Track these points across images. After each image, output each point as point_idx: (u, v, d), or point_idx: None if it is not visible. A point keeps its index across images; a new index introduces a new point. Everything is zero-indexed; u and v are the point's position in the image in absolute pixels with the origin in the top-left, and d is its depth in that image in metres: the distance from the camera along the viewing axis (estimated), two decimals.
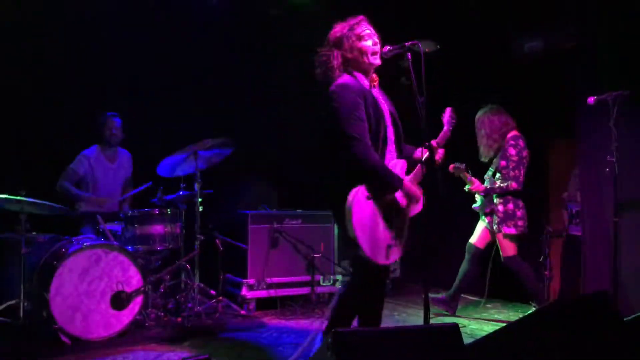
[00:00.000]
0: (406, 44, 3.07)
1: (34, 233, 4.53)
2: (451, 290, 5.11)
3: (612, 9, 4.58)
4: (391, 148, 3.21)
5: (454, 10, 5.93)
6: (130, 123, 5.31)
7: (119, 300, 4.28)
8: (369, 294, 3.21)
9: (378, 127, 3.10)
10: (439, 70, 3.56)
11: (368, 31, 3.18)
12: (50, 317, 4.04)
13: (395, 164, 3.17)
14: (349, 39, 3.15)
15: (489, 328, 4.71)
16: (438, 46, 5.70)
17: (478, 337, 4.26)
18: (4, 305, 4.21)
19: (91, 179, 5.14)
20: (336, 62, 3.15)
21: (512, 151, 4.79)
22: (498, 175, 4.87)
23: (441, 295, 5.12)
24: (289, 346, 4.15)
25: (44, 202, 4.22)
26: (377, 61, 3.18)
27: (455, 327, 2.20)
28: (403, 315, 5.19)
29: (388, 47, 3.15)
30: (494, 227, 4.86)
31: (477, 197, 5.06)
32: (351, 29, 3.16)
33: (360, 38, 3.15)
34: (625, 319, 2.83)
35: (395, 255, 3.15)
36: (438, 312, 5.06)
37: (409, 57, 3.02)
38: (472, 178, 4.91)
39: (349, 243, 3.02)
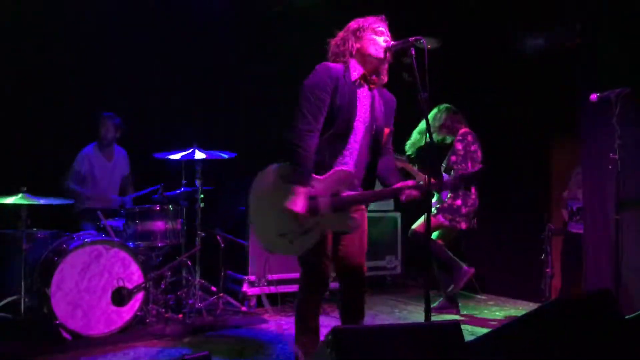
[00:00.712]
0: (410, 39, 3.04)
1: (35, 229, 4.54)
2: (444, 293, 5.13)
3: (614, 6, 4.56)
4: (350, 154, 3.07)
5: (456, 8, 5.90)
6: (131, 122, 5.32)
7: (120, 297, 4.28)
8: None
9: (336, 119, 3.02)
10: (441, 68, 3.54)
11: (382, 29, 3.17)
12: (51, 313, 4.04)
13: (340, 172, 3.00)
14: (364, 30, 3.15)
15: (490, 325, 4.70)
16: (440, 43, 5.73)
17: (479, 334, 4.25)
18: (4, 301, 4.21)
19: (91, 176, 5.16)
20: (348, 47, 3.13)
21: (459, 146, 4.95)
22: (452, 172, 4.98)
23: (439, 302, 5.11)
24: (290, 342, 4.14)
25: (45, 199, 4.23)
26: (381, 56, 3.11)
27: (456, 325, 2.19)
28: (404, 312, 5.19)
29: (391, 43, 3.13)
30: (433, 210, 4.97)
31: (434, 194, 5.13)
32: (370, 22, 3.16)
33: (374, 32, 3.14)
34: (627, 317, 2.83)
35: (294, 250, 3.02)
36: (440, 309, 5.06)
37: (413, 52, 2.99)
38: (420, 173, 4.97)
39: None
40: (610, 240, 4.35)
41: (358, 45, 3.13)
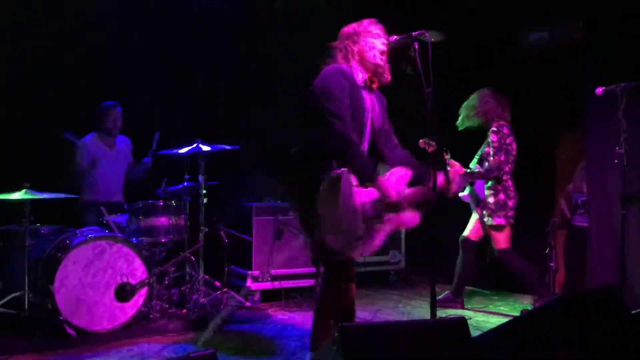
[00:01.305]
0: (413, 33, 3.03)
1: (38, 225, 4.52)
2: (452, 286, 5.10)
3: (617, 1, 4.53)
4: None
5: (458, 4, 5.87)
6: (135, 118, 5.31)
7: (124, 292, 4.27)
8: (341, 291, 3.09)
9: (353, 120, 3.06)
10: (444, 62, 3.53)
11: (379, 32, 3.20)
12: (55, 309, 4.05)
13: (400, 170, 3.09)
14: (360, 35, 3.17)
15: (494, 320, 4.69)
16: (444, 36, 5.70)
17: (484, 329, 4.25)
18: (8, 297, 4.20)
19: (92, 167, 5.13)
20: (349, 52, 3.16)
21: (494, 137, 4.82)
22: (486, 164, 4.87)
23: (445, 294, 5.09)
24: (293, 338, 4.14)
25: (48, 195, 4.22)
26: (380, 61, 3.15)
27: (462, 321, 2.18)
28: (408, 307, 5.18)
29: (395, 37, 3.12)
30: (485, 220, 4.85)
31: (467, 186, 5.06)
32: (365, 26, 3.19)
33: (371, 35, 3.17)
34: (633, 312, 2.82)
35: (362, 251, 2.99)
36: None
37: (416, 46, 2.98)
38: (452, 160, 4.89)
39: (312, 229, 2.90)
40: (615, 235, 4.33)
41: (357, 49, 3.16)
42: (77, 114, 5.24)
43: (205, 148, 4.69)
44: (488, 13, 5.73)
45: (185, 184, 4.94)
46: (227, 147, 4.79)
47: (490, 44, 5.80)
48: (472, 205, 5.03)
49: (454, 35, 5.78)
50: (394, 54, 3.20)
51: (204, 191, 4.74)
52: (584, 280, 4.98)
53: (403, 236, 6.26)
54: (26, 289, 4.15)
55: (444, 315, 4.71)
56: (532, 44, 5.64)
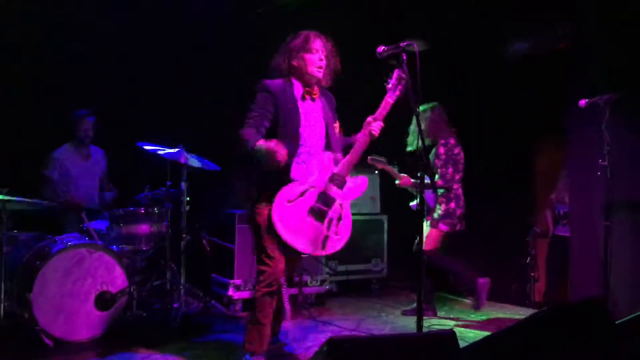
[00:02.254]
0: (401, 44, 3.04)
1: (16, 231, 4.42)
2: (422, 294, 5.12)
3: (604, 10, 4.58)
4: (310, 156, 3.44)
5: (443, 9, 5.89)
6: (116, 121, 5.23)
7: (104, 301, 4.19)
8: None
9: (287, 127, 3.38)
10: (426, 71, 3.54)
11: (317, 47, 3.44)
12: (32, 319, 3.94)
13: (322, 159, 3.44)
14: (299, 50, 3.43)
15: (477, 330, 4.70)
16: (427, 46, 5.71)
17: (467, 338, 4.25)
18: None
19: (66, 178, 5.06)
20: (283, 66, 3.46)
21: (442, 150, 4.97)
22: (437, 176, 4.95)
23: (413, 306, 5.09)
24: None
25: (26, 199, 4.13)
26: (319, 75, 3.44)
27: (451, 334, 2.17)
28: (391, 316, 5.16)
29: (383, 47, 3.12)
30: (430, 222, 4.95)
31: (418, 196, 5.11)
32: (305, 41, 3.43)
33: (309, 50, 3.42)
34: (616, 322, 2.84)
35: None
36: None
37: (404, 57, 2.99)
38: (401, 174, 4.98)
39: None
40: (597, 246, 4.37)
41: (295, 64, 3.44)
42: (59, 116, 5.15)
43: (193, 161, 4.63)
44: (472, 21, 5.76)
45: (167, 189, 4.87)
46: (209, 164, 4.74)
47: (474, 51, 5.83)
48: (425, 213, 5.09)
49: (437, 42, 5.81)
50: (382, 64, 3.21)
51: (187, 198, 4.69)
52: (565, 290, 5.02)
53: (386, 244, 6.26)
54: (2, 297, 4.04)
55: (427, 325, 4.71)
56: (516, 51, 5.69)
